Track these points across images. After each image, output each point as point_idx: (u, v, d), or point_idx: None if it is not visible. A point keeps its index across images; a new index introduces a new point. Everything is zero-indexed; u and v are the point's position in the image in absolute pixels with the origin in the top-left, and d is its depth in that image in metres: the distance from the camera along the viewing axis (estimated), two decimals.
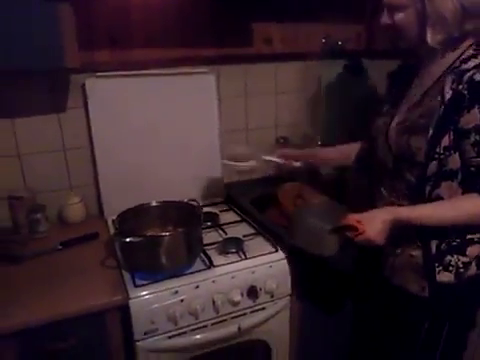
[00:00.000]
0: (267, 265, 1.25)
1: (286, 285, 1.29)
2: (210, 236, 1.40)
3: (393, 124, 1.05)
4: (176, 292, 1.13)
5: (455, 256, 1.00)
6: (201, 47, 1.58)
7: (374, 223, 0.98)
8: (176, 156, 1.60)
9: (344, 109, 1.78)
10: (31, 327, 1.01)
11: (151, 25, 1.50)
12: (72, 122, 1.48)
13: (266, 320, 1.27)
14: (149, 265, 1.14)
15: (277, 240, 1.35)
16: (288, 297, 1.31)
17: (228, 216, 1.55)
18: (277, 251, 1.30)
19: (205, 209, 1.57)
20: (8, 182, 1.42)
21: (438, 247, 1.00)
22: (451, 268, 1.00)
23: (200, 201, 1.59)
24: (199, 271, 1.18)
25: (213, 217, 1.52)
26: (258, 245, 1.34)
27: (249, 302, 1.23)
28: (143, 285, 1.12)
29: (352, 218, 1.01)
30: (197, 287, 1.15)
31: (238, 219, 1.52)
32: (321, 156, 1.42)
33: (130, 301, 1.08)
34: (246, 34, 1.65)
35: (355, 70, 1.80)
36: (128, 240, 1.08)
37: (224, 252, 1.29)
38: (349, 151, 1.33)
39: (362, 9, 1.80)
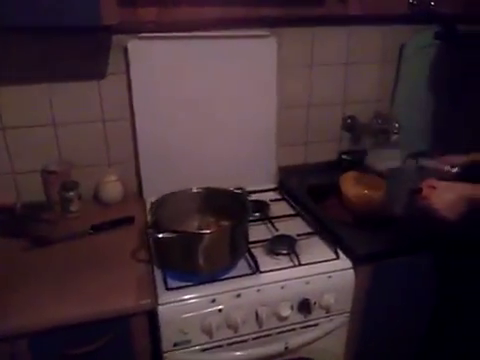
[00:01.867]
0: (325, 275, 1.03)
1: (347, 300, 1.08)
2: (257, 230, 1.19)
3: None
4: (214, 300, 0.95)
5: None
6: (261, 6, 1.32)
7: (445, 193, 0.91)
8: (227, 133, 1.39)
9: (431, 87, 1.46)
10: (42, 330, 0.88)
11: None
12: (113, 90, 1.31)
13: (318, 338, 1.07)
14: (184, 266, 0.97)
15: (338, 243, 1.12)
16: (347, 314, 1.09)
17: (280, 207, 1.34)
18: (338, 258, 1.07)
19: (254, 196, 1.39)
20: (42, 154, 1.30)
21: None
22: None
23: (249, 186, 1.41)
24: (242, 276, 0.99)
25: (263, 207, 1.31)
26: (315, 248, 1.12)
27: (300, 317, 1.03)
28: (176, 289, 0.95)
29: (429, 182, 0.95)
30: (239, 296, 0.96)
31: (292, 212, 1.30)
32: None
33: (159, 307, 0.92)
34: None
35: (449, 39, 1.46)
36: (160, 236, 0.90)
37: (273, 253, 1.09)
38: None
39: None
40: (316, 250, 1.10)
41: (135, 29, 1.25)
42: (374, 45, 1.53)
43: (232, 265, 1.01)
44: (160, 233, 0.91)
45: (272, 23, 1.35)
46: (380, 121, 1.58)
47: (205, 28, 1.30)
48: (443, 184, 0.94)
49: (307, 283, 1.02)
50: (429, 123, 1.47)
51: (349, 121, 1.60)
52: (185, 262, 0.96)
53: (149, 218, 0.96)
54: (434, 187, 0.94)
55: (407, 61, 1.49)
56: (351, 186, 1.40)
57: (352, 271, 1.06)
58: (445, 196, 0.91)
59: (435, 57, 1.47)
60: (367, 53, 1.53)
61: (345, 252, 1.09)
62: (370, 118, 1.59)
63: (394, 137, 1.48)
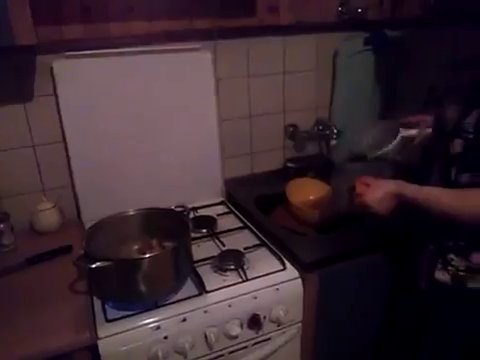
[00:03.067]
0: (273, 288, 1.02)
1: (297, 310, 1.06)
2: (205, 247, 1.17)
3: None
4: (158, 328, 0.90)
5: (458, 257, 0.92)
6: (192, 18, 1.31)
7: (377, 190, 0.96)
8: (167, 150, 1.35)
9: (365, 90, 1.50)
10: None
11: None
12: (41, 113, 1.24)
13: (272, 353, 1.05)
14: (124, 294, 0.91)
15: (285, 252, 1.11)
16: (299, 324, 1.08)
17: (228, 221, 1.31)
18: (285, 269, 1.06)
19: (201, 211, 1.36)
20: None
21: (445, 242, 0.94)
22: (450, 268, 0.93)
23: (196, 201, 1.38)
24: (188, 298, 0.95)
25: (210, 222, 1.28)
26: (262, 260, 1.10)
27: (251, 333, 1.00)
28: (116, 319, 0.89)
29: (363, 180, 1.01)
30: (184, 320, 0.92)
31: (239, 225, 1.28)
32: None
33: (99, 341, 0.86)
34: (246, 1, 1.37)
35: (378, 43, 1.51)
36: (94, 266, 0.85)
37: (221, 269, 1.06)
38: None
39: None
40: (263, 262, 1.08)
41: (61, 48, 1.20)
42: (309, 53, 1.55)
43: (176, 288, 0.97)
44: (93, 263, 0.85)
45: (204, 36, 1.34)
46: (321, 127, 1.60)
47: (134, 43, 1.26)
48: (375, 182, 0.99)
49: (255, 298, 0.99)
50: (366, 124, 1.51)
51: (291, 129, 1.61)
52: (125, 290, 0.91)
53: (83, 246, 0.90)
54: (368, 184, 0.99)
55: (341, 67, 1.53)
56: (297, 193, 1.40)
57: (300, 280, 1.04)
58: (376, 193, 0.96)
59: (367, 62, 1.51)
60: (303, 61, 1.55)
61: (292, 262, 1.08)
62: (311, 125, 1.62)
63: (333, 142, 1.50)
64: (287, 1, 1.42)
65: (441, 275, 0.95)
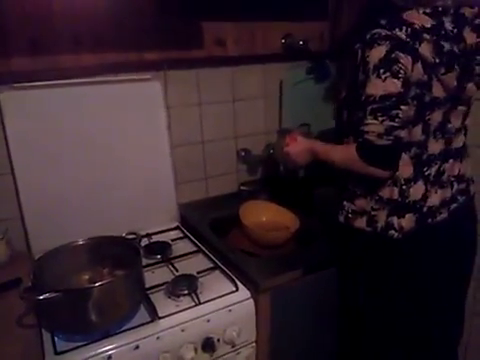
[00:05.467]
0: (225, 310, 1.04)
1: (250, 330, 1.09)
2: (159, 274, 1.18)
3: None
4: (109, 357, 0.90)
5: (348, 202, 1.08)
6: (142, 50, 1.35)
7: (299, 144, 1.20)
8: (119, 178, 1.36)
9: (308, 116, 1.60)
10: None
11: (80, 24, 1.26)
12: None
13: None
14: (74, 325, 0.91)
15: (237, 274, 1.14)
16: (253, 343, 1.10)
17: (182, 246, 1.33)
18: (237, 290, 1.09)
19: (155, 237, 1.37)
20: None
21: (342, 189, 1.10)
22: (342, 212, 1.10)
23: (150, 227, 1.39)
24: (140, 326, 0.96)
25: (164, 248, 1.30)
26: (215, 283, 1.12)
27: (206, 357, 1.02)
28: (66, 351, 0.88)
29: (292, 135, 1.25)
30: (137, 348, 0.92)
31: (194, 249, 1.30)
32: None
33: None
34: (195, 34, 1.44)
35: (319, 73, 1.62)
36: (42, 298, 0.84)
37: (174, 295, 1.07)
38: None
39: (324, 5, 1.63)
40: (216, 285, 1.11)
41: (9, 79, 1.20)
42: (256, 82, 1.63)
43: (128, 316, 0.97)
44: (41, 294, 0.84)
45: (154, 66, 1.38)
46: (272, 151, 1.67)
47: (84, 74, 1.28)
48: (299, 138, 1.22)
49: (208, 321, 1.01)
50: None
51: (243, 153, 1.67)
52: (75, 321, 0.90)
53: (30, 278, 0.89)
54: (295, 139, 1.22)
55: (286, 95, 1.62)
56: (250, 215, 1.44)
57: (251, 301, 1.07)
58: (297, 146, 1.20)
59: (309, 89, 1.61)
60: (251, 90, 1.63)
61: (244, 282, 1.11)
62: (263, 149, 1.69)
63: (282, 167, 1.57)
64: (233, 34, 1.51)
65: (339, 216, 1.11)
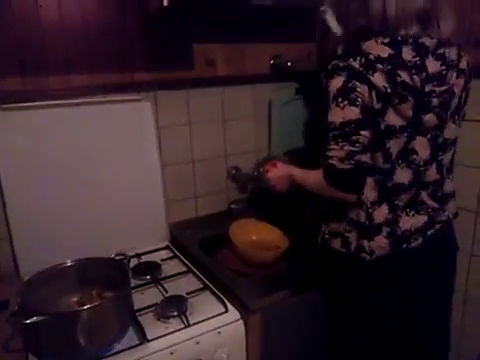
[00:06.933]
0: (215, 332, 1.03)
1: (240, 351, 1.08)
2: (148, 295, 1.17)
3: None
4: None
5: (323, 224, 1.10)
6: (132, 71, 1.37)
7: (278, 170, 1.24)
8: (109, 197, 1.36)
9: (297, 136, 1.62)
10: None
11: (71, 46, 1.28)
12: None
13: None
14: (61, 348, 0.89)
15: (227, 294, 1.14)
16: None
17: (172, 266, 1.33)
18: (227, 311, 1.08)
19: (145, 257, 1.37)
20: None
21: (319, 211, 1.12)
22: (320, 233, 1.10)
23: (140, 247, 1.38)
24: (128, 349, 0.94)
25: (153, 268, 1.29)
26: (205, 304, 1.12)
27: None
28: None
29: (273, 162, 1.29)
30: None
31: (183, 269, 1.30)
32: None
33: None
34: (185, 56, 1.46)
35: (308, 93, 1.65)
36: (29, 321, 0.83)
37: (163, 317, 1.06)
38: None
39: (312, 26, 1.67)
40: (206, 306, 1.10)
41: None
42: (246, 102, 1.66)
43: (117, 339, 0.96)
44: (28, 318, 0.83)
45: (144, 87, 1.40)
46: (261, 169, 1.69)
47: (73, 95, 1.29)
48: (279, 164, 1.26)
49: (197, 343, 1.00)
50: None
51: (233, 172, 1.69)
52: (63, 345, 0.89)
53: (17, 301, 0.88)
54: (275, 165, 1.26)
55: (275, 115, 1.64)
56: (239, 234, 1.45)
57: (241, 322, 1.07)
58: (277, 172, 1.24)
59: (298, 109, 1.64)
60: (241, 109, 1.66)
61: (234, 303, 1.11)
62: (252, 167, 1.70)
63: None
64: (223, 55, 1.54)
65: (318, 237, 1.12)
